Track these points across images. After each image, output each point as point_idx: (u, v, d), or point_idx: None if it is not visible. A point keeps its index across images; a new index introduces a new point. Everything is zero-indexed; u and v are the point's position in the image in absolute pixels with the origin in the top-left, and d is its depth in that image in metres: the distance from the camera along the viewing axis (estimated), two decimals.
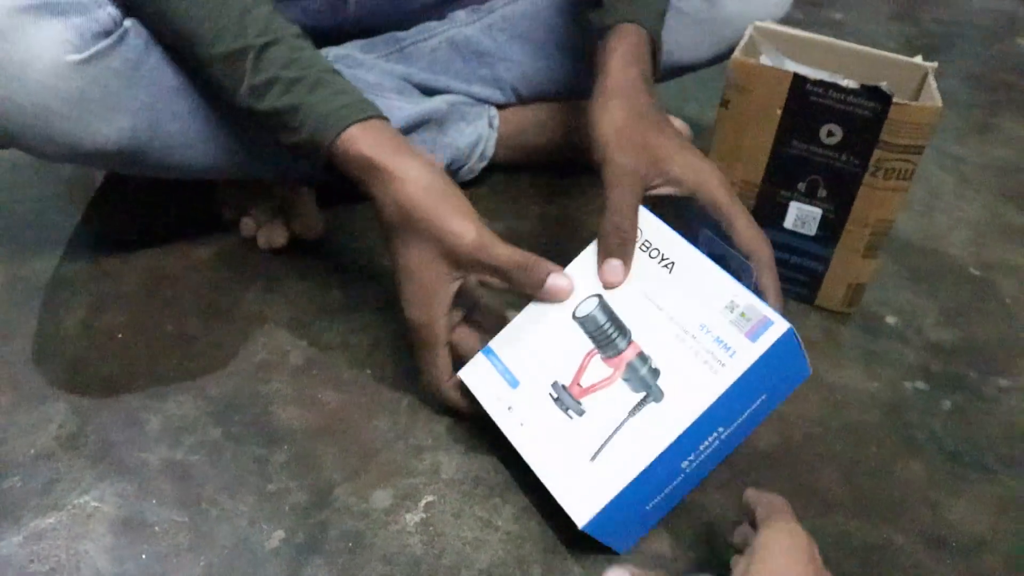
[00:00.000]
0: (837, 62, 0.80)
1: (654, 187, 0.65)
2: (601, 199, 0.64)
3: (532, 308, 0.64)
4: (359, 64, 0.90)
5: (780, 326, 0.55)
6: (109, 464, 0.63)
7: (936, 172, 1.16)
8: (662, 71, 0.88)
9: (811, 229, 0.80)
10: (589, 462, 0.57)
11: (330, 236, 0.86)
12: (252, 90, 0.63)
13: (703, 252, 0.61)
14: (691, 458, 0.58)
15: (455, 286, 0.62)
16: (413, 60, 0.92)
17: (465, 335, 0.66)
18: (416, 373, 0.67)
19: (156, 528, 0.59)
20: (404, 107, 0.87)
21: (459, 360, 0.66)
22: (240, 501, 0.61)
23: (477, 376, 0.64)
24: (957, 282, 0.93)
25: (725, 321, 0.57)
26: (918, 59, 0.79)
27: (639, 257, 0.63)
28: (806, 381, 0.73)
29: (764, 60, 0.80)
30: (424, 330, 0.62)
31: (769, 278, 0.64)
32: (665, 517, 0.62)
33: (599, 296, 0.62)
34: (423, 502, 0.62)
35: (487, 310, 0.68)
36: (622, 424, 0.58)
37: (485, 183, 0.98)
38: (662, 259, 0.61)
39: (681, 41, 0.92)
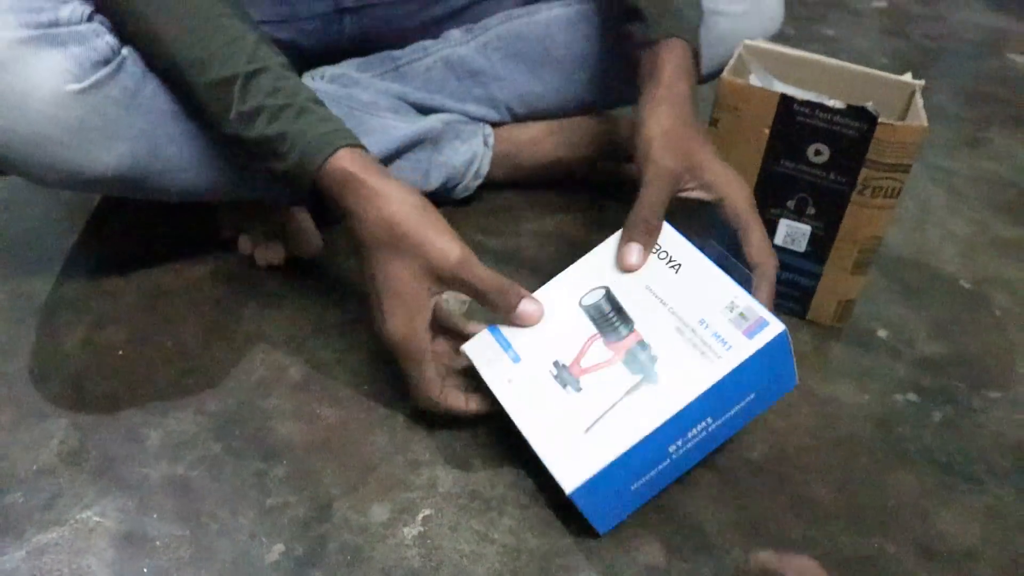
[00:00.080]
0: (826, 80, 0.82)
1: (686, 189, 0.68)
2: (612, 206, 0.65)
3: (540, 293, 0.67)
4: (355, 83, 0.91)
5: (776, 327, 0.59)
6: (110, 479, 0.63)
7: (927, 186, 1.17)
8: None
9: (801, 246, 0.81)
10: (583, 434, 0.60)
11: (327, 254, 0.86)
12: (240, 117, 0.64)
13: (707, 253, 0.64)
14: (678, 443, 0.60)
15: (434, 301, 0.64)
16: (408, 79, 0.93)
17: (440, 346, 0.69)
18: (406, 390, 0.68)
19: (157, 542, 0.60)
20: (400, 126, 0.88)
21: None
22: (240, 515, 0.62)
23: (480, 349, 0.66)
24: (948, 295, 0.94)
25: (724, 319, 0.60)
26: (907, 77, 0.81)
27: (649, 257, 0.66)
28: (799, 394, 0.74)
29: (753, 80, 0.81)
30: (408, 343, 0.63)
31: (765, 291, 0.66)
32: (658, 527, 0.63)
33: (607, 288, 0.65)
34: (420, 516, 0.63)
35: (448, 321, 0.70)
36: (617, 402, 0.60)
37: (480, 200, 0.99)
38: (670, 261, 0.65)
39: None
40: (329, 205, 0.65)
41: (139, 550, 0.59)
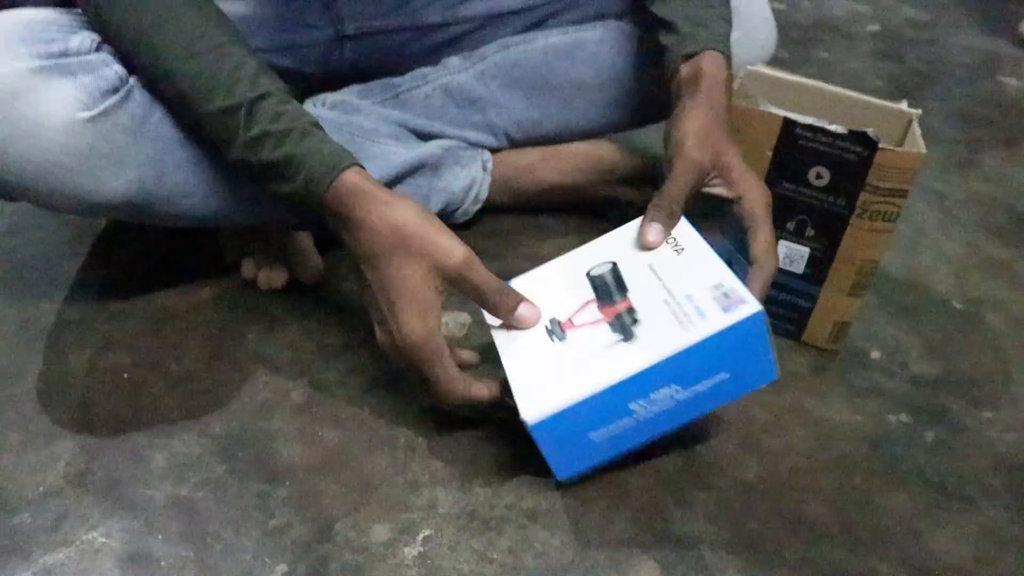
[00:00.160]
0: (825, 106, 0.83)
1: (710, 184, 0.71)
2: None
3: (555, 263, 0.74)
4: (356, 110, 0.92)
5: (752, 306, 0.61)
6: (116, 500, 0.65)
7: (920, 208, 1.19)
8: (653, 119, 0.97)
9: (799, 267, 0.83)
10: (554, 378, 0.64)
11: (329, 278, 0.88)
12: (246, 143, 0.66)
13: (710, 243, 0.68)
14: (642, 403, 0.63)
15: (442, 300, 0.66)
16: (408, 106, 0.95)
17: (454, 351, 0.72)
18: (420, 392, 0.69)
19: (162, 563, 0.61)
20: (400, 152, 0.90)
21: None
22: (244, 536, 0.63)
23: None
24: (941, 316, 0.96)
25: (708, 295, 0.63)
26: (903, 105, 0.82)
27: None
28: (793, 415, 0.75)
29: (762, 106, 0.83)
30: (427, 343, 0.65)
31: (758, 286, 0.68)
32: (654, 547, 0.64)
33: (614, 263, 0.70)
34: (421, 536, 0.64)
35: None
36: (593, 355, 0.64)
37: (479, 225, 1.00)
38: (676, 245, 0.69)
39: (658, 86, 0.95)
40: (332, 223, 0.67)
41: (144, 570, 0.60)
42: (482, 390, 0.68)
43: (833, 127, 0.76)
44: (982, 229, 1.16)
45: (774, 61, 1.50)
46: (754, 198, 0.70)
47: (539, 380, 0.64)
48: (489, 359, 0.73)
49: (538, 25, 0.99)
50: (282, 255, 0.87)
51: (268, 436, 0.71)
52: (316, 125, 0.68)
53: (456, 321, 0.84)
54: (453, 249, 0.65)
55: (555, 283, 0.72)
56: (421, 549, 0.63)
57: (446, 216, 0.96)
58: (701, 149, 0.70)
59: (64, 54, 0.68)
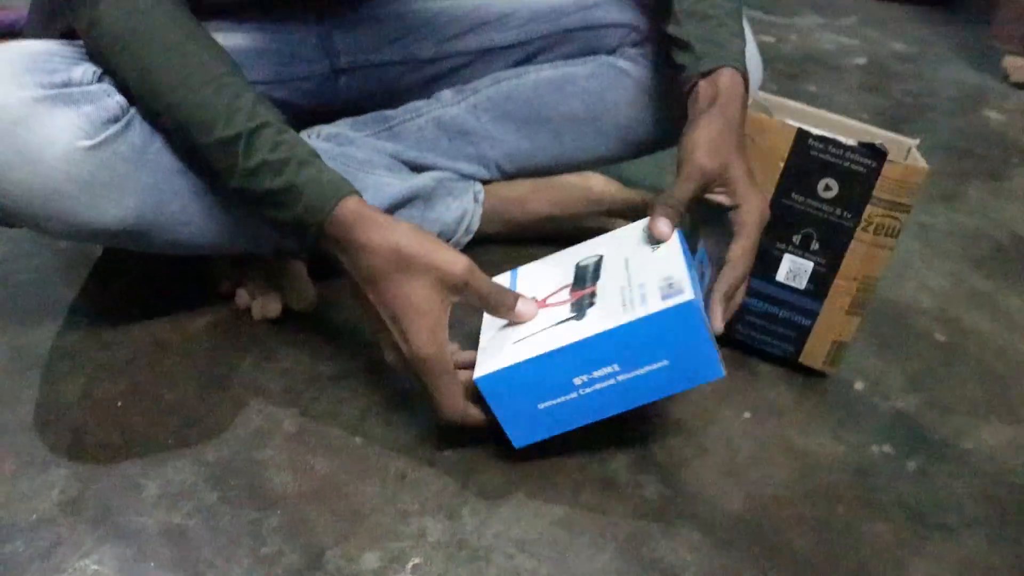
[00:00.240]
0: (829, 131, 0.85)
1: (713, 192, 0.74)
2: None
3: (558, 254, 0.81)
4: (350, 142, 0.94)
5: (687, 295, 0.65)
6: (109, 528, 0.65)
7: (905, 240, 1.21)
8: (642, 152, 1.00)
9: (801, 283, 0.84)
10: (510, 344, 0.70)
11: (321, 307, 0.89)
12: (245, 173, 0.68)
13: (686, 248, 0.73)
14: (583, 378, 0.68)
15: (448, 312, 0.69)
16: (401, 138, 0.97)
17: (457, 352, 0.74)
18: (432, 405, 0.71)
19: None
20: (393, 183, 0.92)
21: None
22: (235, 563, 0.64)
23: (499, 279, 0.80)
24: (923, 348, 0.97)
25: (656, 286, 0.68)
26: (901, 137, 0.85)
27: (635, 236, 0.76)
28: (776, 445, 0.76)
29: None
30: (435, 358, 0.67)
31: (723, 285, 0.71)
32: None
33: (601, 256, 0.76)
34: (410, 564, 0.65)
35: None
36: (546, 328, 0.70)
37: (470, 255, 1.01)
38: (655, 242, 0.73)
39: (650, 119, 0.98)
40: (331, 249, 0.69)
41: None
42: (478, 414, 0.71)
43: (844, 139, 0.79)
44: (966, 261, 1.18)
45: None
46: (749, 210, 0.73)
47: (497, 347, 0.71)
48: None
49: (529, 60, 1.01)
50: (276, 284, 0.88)
51: (260, 464, 0.72)
52: (314, 154, 0.70)
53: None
54: (455, 260, 0.68)
55: (550, 270, 0.79)
56: None
57: None
58: (710, 157, 0.73)
59: (67, 84, 0.70)
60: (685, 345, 0.67)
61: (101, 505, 0.67)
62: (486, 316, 0.76)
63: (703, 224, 0.78)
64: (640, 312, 0.66)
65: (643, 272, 0.70)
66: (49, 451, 0.71)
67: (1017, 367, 0.96)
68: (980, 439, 0.84)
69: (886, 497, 0.76)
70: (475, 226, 0.99)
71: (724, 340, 0.89)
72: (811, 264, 0.83)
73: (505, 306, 0.71)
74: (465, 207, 0.97)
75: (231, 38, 0.84)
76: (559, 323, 0.69)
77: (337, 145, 0.93)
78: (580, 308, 0.70)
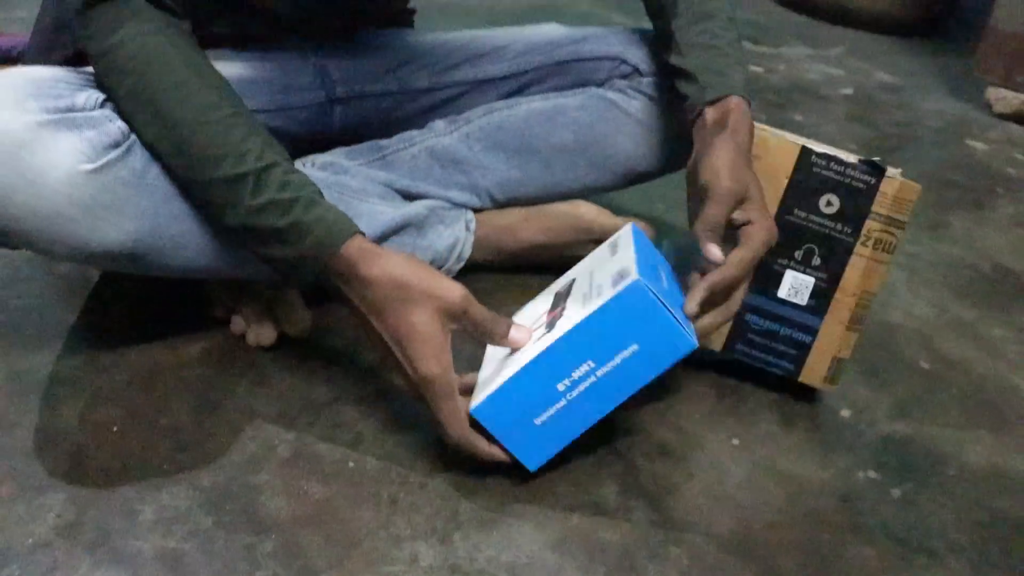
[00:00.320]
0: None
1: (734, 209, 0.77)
2: None
3: (543, 292, 0.84)
4: (344, 171, 0.95)
5: (632, 277, 0.68)
6: (105, 552, 0.66)
7: (891, 269, 1.22)
8: (626, 181, 1.03)
9: (803, 299, 0.86)
10: (500, 373, 0.73)
11: (316, 333, 0.90)
12: (251, 209, 0.70)
13: (640, 246, 0.76)
14: (566, 382, 0.70)
15: (450, 337, 0.71)
16: (395, 167, 0.98)
17: (461, 377, 0.76)
18: (439, 428, 0.73)
19: None
20: (387, 211, 0.93)
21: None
22: None
23: None
24: (909, 376, 0.99)
25: (609, 280, 0.71)
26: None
27: (602, 253, 0.81)
28: (765, 472, 0.77)
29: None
30: (440, 381, 0.70)
31: (713, 276, 0.74)
32: None
33: (574, 279, 0.80)
34: None
35: None
36: (523, 351, 0.73)
37: (462, 283, 1.03)
38: (614, 249, 0.78)
39: (639, 150, 1.00)
40: (334, 282, 0.72)
41: None
42: (482, 441, 0.73)
43: (845, 156, 0.83)
44: (950, 290, 1.20)
45: None
46: (760, 227, 0.76)
47: (489, 379, 0.74)
48: None
49: (521, 91, 1.03)
50: (271, 309, 0.89)
51: (255, 489, 0.73)
52: (319, 193, 0.72)
53: None
54: (453, 289, 0.71)
55: (536, 305, 0.82)
56: None
57: None
58: (733, 180, 0.76)
59: (70, 109, 0.71)
60: (646, 324, 0.69)
61: (98, 529, 0.68)
62: (487, 352, 0.80)
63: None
64: (596, 303, 0.69)
65: (601, 275, 0.75)
66: (46, 475, 0.72)
67: (1000, 394, 0.98)
68: (964, 465, 0.86)
69: (872, 522, 0.77)
70: (467, 254, 1.00)
71: (725, 362, 0.91)
72: (812, 280, 0.86)
73: (499, 333, 0.74)
74: (457, 235, 0.99)
75: (230, 67, 0.86)
76: (536, 341, 0.73)
77: (332, 174, 0.94)
78: (552, 324, 0.74)
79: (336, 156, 0.97)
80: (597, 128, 1.00)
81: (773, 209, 0.85)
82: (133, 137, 0.74)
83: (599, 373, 0.70)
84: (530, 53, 1.04)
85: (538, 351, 0.70)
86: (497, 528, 0.71)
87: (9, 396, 0.80)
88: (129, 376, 0.83)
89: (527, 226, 1.03)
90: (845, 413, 0.91)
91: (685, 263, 0.79)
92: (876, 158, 0.82)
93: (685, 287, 0.76)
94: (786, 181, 0.85)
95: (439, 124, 1.02)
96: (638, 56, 1.01)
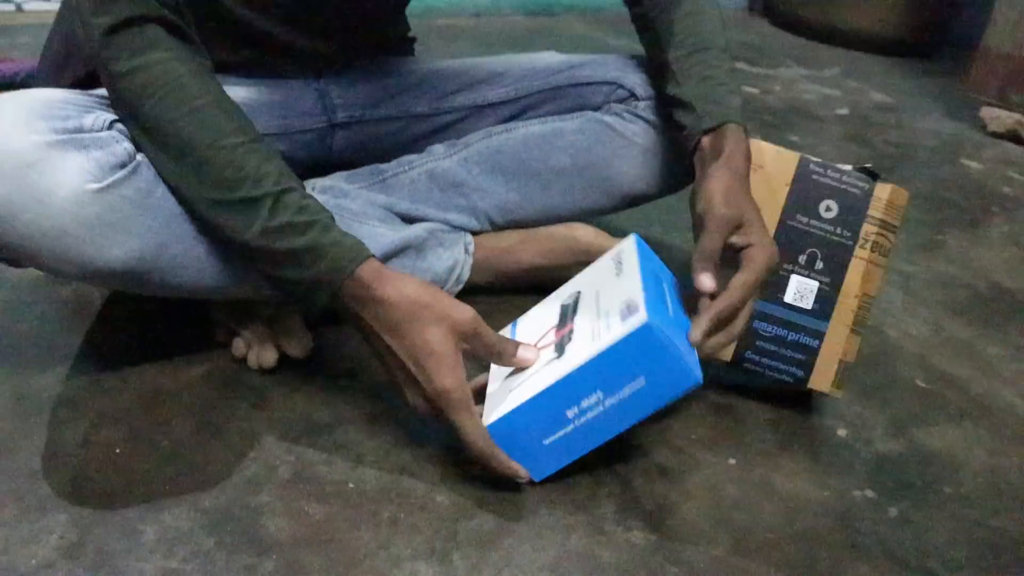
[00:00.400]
0: None
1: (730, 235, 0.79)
2: None
3: (546, 300, 0.87)
4: (344, 194, 0.97)
5: (640, 315, 0.70)
6: (107, 573, 0.66)
7: (886, 288, 1.23)
8: (624, 204, 1.04)
9: (808, 303, 0.88)
10: (511, 391, 0.76)
11: (316, 356, 0.91)
12: (268, 231, 0.72)
13: (644, 269, 0.78)
14: (575, 409, 0.73)
15: (461, 356, 0.74)
16: (394, 190, 0.99)
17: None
18: (461, 440, 0.74)
19: None
20: (387, 234, 0.94)
21: None
22: None
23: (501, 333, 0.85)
24: (904, 395, 1.00)
25: (618, 311, 0.73)
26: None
27: (606, 267, 0.82)
28: (762, 490, 0.78)
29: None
30: (458, 393, 0.72)
31: (717, 304, 0.75)
32: None
33: (579, 292, 0.82)
34: None
35: None
36: (537, 371, 0.75)
37: None
38: (618, 269, 0.80)
39: (636, 172, 1.01)
40: (344, 305, 0.74)
41: None
42: (501, 452, 0.75)
43: (840, 165, 0.87)
44: (945, 309, 1.21)
45: None
46: (761, 249, 0.78)
47: (500, 395, 0.77)
48: None
49: (520, 115, 1.05)
50: (272, 332, 0.90)
51: (255, 511, 0.73)
52: (332, 219, 0.74)
53: None
54: (465, 311, 0.74)
55: (541, 315, 0.85)
56: None
57: None
58: (728, 207, 0.78)
59: (79, 130, 0.72)
60: (655, 359, 0.71)
61: (100, 550, 0.68)
62: (492, 366, 0.82)
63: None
64: (606, 341, 0.71)
65: (609, 301, 0.76)
66: (49, 497, 0.72)
67: (996, 413, 0.98)
68: (961, 484, 0.86)
69: (869, 541, 0.77)
70: (465, 276, 1.01)
71: (723, 383, 0.92)
72: (816, 284, 0.88)
73: (508, 354, 0.77)
74: (456, 257, 1.00)
75: (234, 91, 0.87)
76: (546, 364, 0.75)
77: (332, 197, 0.96)
78: (561, 347, 0.76)
79: (336, 180, 0.99)
80: (595, 151, 1.02)
81: (776, 215, 0.89)
82: (139, 158, 0.75)
83: (607, 403, 0.73)
84: (528, 79, 1.06)
85: (550, 381, 0.72)
86: (496, 548, 0.72)
87: (12, 418, 0.80)
88: (131, 398, 0.84)
89: (525, 248, 1.04)
90: (841, 432, 0.91)
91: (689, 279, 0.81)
92: (868, 164, 0.86)
93: (689, 304, 0.78)
94: (786, 189, 0.89)
95: (438, 148, 1.03)
96: (634, 80, 1.02)
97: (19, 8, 2.10)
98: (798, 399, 0.94)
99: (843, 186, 0.88)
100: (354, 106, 1.00)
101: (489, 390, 0.80)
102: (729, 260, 0.78)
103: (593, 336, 0.73)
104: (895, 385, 1.01)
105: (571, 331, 0.76)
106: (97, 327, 0.94)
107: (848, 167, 0.88)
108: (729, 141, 0.83)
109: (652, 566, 0.72)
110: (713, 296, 0.76)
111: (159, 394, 0.85)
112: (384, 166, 1.01)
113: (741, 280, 0.76)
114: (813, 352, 0.89)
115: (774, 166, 0.89)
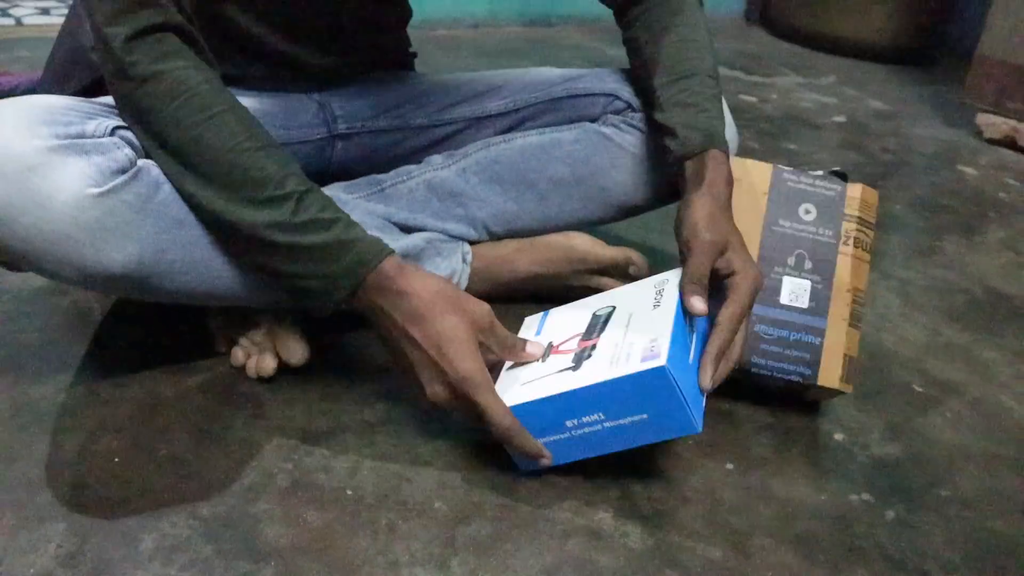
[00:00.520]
0: None
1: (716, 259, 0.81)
2: None
3: (582, 301, 0.89)
4: (343, 204, 0.96)
5: (659, 360, 0.71)
6: None
7: (884, 294, 1.24)
8: (621, 214, 1.05)
9: (804, 301, 0.90)
10: (519, 385, 0.78)
11: (314, 365, 0.91)
12: (293, 227, 0.74)
13: (681, 308, 0.78)
14: (574, 421, 0.75)
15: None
16: (393, 200, 1.00)
17: None
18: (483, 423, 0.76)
19: None
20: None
21: None
22: None
23: (530, 321, 0.91)
24: (901, 399, 1.00)
25: (641, 346, 0.74)
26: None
27: (647, 293, 0.83)
28: (759, 494, 0.78)
29: None
30: (478, 375, 0.74)
31: (715, 345, 0.77)
32: None
33: (614, 307, 0.84)
34: None
35: None
36: (549, 374, 0.77)
37: None
38: (655, 301, 0.81)
39: (633, 182, 1.02)
40: (366, 298, 0.75)
41: None
42: (525, 430, 0.76)
43: (811, 171, 0.92)
44: (942, 314, 1.21)
45: (745, 152, 1.57)
46: (744, 277, 0.79)
47: (509, 386, 0.79)
48: None
49: (517, 127, 1.06)
50: (271, 341, 0.90)
51: (254, 518, 0.73)
52: (352, 218, 0.77)
53: None
54: (481, 305, 0.78)
55: (573, 316, 0.87)
56: None
57: None
58: (712, 232, 0.80)
59: (81, 136, 0.73)
60: (660, 403, 0.72)
61: (98, 559, 0.68)
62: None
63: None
64: (621, 371, 0.72)
65: (637, 330, 0.77)
66: (48, 506, 0.73)
67: (993, 417, 0.98)
68: (958, 487, 0.86)
69: (866, 544, 0.78)
70: (464, 285, 1.01)
71: (742, 379, 0.93)
72: (808, 283, 0.91)
73: (518, 350, 0.81)
74: (454, 267, 1.00)
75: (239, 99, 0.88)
76: (560, 371, 0.77)
77: None
78: (579, 359, 0.77)
79: (335, 190, 0.99)
80: (592, 161, 1.02)
81: (760, 222, 0.92)
82: (140, 163, 0.76)
83: (606, 425, 0.75)
84: (526, 91, 1.07)
85: (559, 389, 0.74)
86: (494, 554, 0.72)
87: (12, 429, 0.81)
88: (131, 408, 0.85)
89: (522, 257, 1.04)
90: (839, 436, 0.92)
91: None
92: (836, 167, 0.92)
93: None
94: (765, 197, 0.93)
95: (436, 158, 1.03)
96: (631, 92, 1.03)
97: (19, 22, 2.11)
98: (795, 404, 0.94)
99: (817, 189, 0.93)
100: (354, 117, 1.01)
101: (500, 379, 0.81)
102: (713, 286, 0.80)
103: (612, 361, 0.74)
104: (892, 390, 1.01)
105: (594, 347, 0.78)
106: (96, 337, 0.95)
107: (819, 172, 0.93)
108: (710, 168, 0.85)
109: (650, 570, 0.72)
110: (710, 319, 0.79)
111: (158, 403, 0.86)
112: (382, 176, 1.01)
113: (728, 313, 0.78)
114: (817, 349, 0.89)
115: (750, 178, 0.94)
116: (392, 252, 0.76)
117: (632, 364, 0.72)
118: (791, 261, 0.91)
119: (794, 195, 0.93)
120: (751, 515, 0.79)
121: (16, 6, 2.22)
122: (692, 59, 0.93)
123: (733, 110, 1.06)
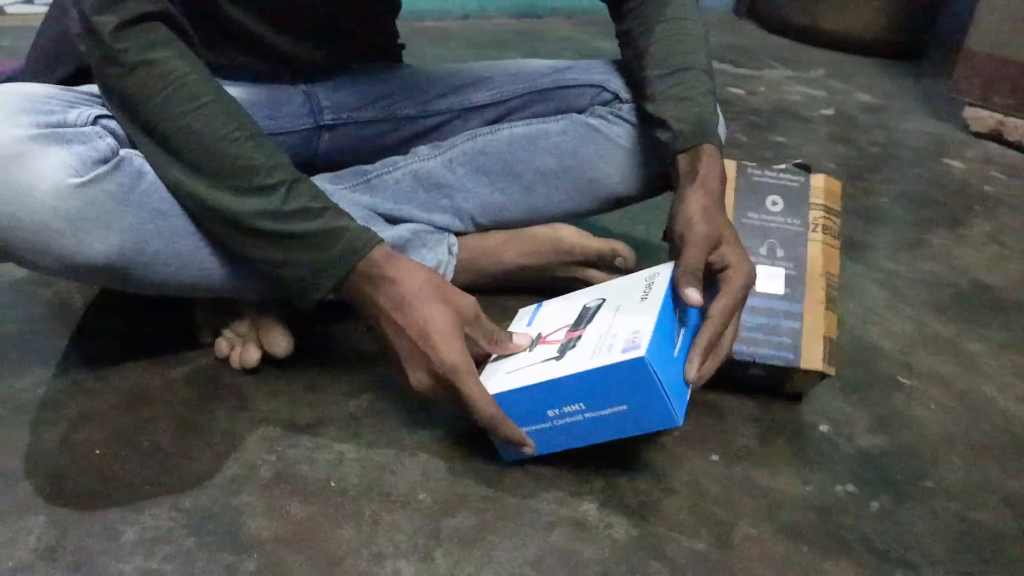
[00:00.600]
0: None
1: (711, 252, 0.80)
2: None
3: (574, 294, 0.90)
4: (329, 195, 0.96)
5: (639, 351, 0.70)
6: (86, 574, 0.66)
7: (870, 287, 1.24)
8: (608, 205, 1.05)
9: (779, 288, 0.92)
10: (503, 373, 0.78)
11: (298, 357, 0.90)
12: (283, 215, 0.74)
13: (670, 301, 0.78)
14: (555, 411, 0.75)
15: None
16: (378, 191, 0.99)
17: None
18: (467, 410, 0.75)
19: None
20: None
21: None
22: None
23: (523, 313, 0.92)
24: (887, 391, 1.00)
25: (624, 337, 0.74)
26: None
27: (637, 286, 0.83)
28: (743, 485, 0.78)
29: None
30: (461, 363, 0.74)
31: (705, 337, 0.76)
32: None
33: (603, 299, 0.84)
34: None
35: None
36: (534, 364, 0.78)
37: None
38: (644, 294, 0.80)
39: (620, 174, 1.02)
40: (354, 285, 0.76)
41: None
42: (508, 419, 0.76)
43: (775, 165, 0.98)
44: (928, 307, 1.21)
45: (734, 144, 1.57)
46: (737, 270, 0.79)
47: (492, 375, 0.79)
48: None
49: (505, 118, 1.05)
50: (255, 333, 0.90)
51: (236, 510, 0.73)
52: (340, 207, 0.77)
53: None
54: (467, 297, 0.78)
55: (564, 307, 0.87)
56: None
57: None
58: (707, 225, 0.80)
59: (62, 124, 0.72)
60: (641, 394, 0.72)
61: (79, 552, 0.68)
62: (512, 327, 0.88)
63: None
64: (602, 361, 0.72)
65: (622, 322, 0.77)
66: (28, 498, 0.72)
67: (978, 409, 0.99)
68: (942, 478, 0.87)
69: (851, 535, 0.78)
70: (449, 277, 1.01)
71: (725, 368, 0.92)
72: (783, 270, 0.92)
73: (503, 342, 0.81)
74: (439, 258, 0.99)
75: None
76: (544, 360, 0.77)
77: None
78: (564, 350, 0.77)
79: (320, 181, 0.98)
80: (579, 153, 1.02)
81: (730, 214, 0.93)
82: (122, 153, 0.75)
83: (587, 415, 0.74)
84: (514, 82, 1.06)
85: (540, 378, 0.74)
86: (478, 545, 0.72)
87: None
88: (113, 399, 0.84)
89: (509, 249, 1.04)
90: (824, 428, 0.92)
91: None
92: (799, 160, 0.96)
93: None
94: (733, 192, 0.95)
95: (423, 149, 1.03)
96: (619, 84, 1.03)
97: (2, 11, 2.09)
98: (780, 395, 0.94)
99: (782, 181, 0.97)
100: (341, 108, 1.00)
101: (485, 369, 0.82)
102: (706, 280, 0.79)
103: (594, 352, 0.74)
104: (878, 382, 1.02)
105: (579, 337, 0.78)
106: (78, 329, 0.94)
107: (783, 165, 0.96)
108: (704, 163, 0.85)
109: (634, 562, 0.72)
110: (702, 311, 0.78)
111: (141, 395, 0.85)
112: (368, 167, 1.01)
113: (720, 306, 0.77)
114: (796, 333, 0.90)
115: None
116: (381, 241, 0.76)
117: (613, 355, 0.72)
118: (763, 251, 0.93)
119: (760, 188, 0.96)
120: (736, 506, 0.79)
121: None
122: (687, 53, 0.93)
123: (721, 103, 1.06)
